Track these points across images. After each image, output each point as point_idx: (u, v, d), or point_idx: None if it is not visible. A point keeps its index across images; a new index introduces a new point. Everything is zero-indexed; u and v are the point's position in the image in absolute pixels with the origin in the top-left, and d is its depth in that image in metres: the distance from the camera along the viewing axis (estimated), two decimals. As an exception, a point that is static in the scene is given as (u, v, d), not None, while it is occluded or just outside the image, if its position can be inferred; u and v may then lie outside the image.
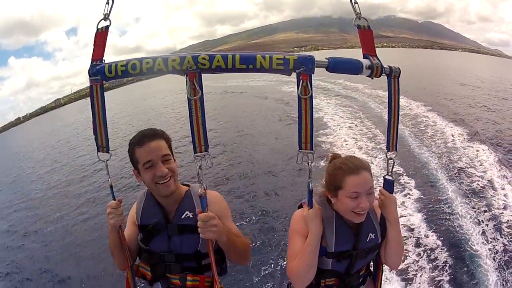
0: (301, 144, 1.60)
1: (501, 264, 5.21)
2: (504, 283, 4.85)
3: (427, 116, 14.54)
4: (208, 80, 1.48)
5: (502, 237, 5.84)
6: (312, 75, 1.54)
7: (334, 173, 1.78)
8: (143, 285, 2.15)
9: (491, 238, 5.83)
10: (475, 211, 6.70)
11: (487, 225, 6.21)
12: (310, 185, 1.70)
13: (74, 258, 7.47)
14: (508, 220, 6.32)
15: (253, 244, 6.28)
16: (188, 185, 2.00)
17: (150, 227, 1.89)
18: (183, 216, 1.88)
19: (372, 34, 1.72)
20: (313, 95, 1.53)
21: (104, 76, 1.65)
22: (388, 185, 1.85)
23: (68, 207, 11.00)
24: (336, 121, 14.59)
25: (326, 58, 1.60)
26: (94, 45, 1.72)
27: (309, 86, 1.53)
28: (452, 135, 11.64)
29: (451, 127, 12.69)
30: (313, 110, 1.58)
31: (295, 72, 1.53)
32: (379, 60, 1.67)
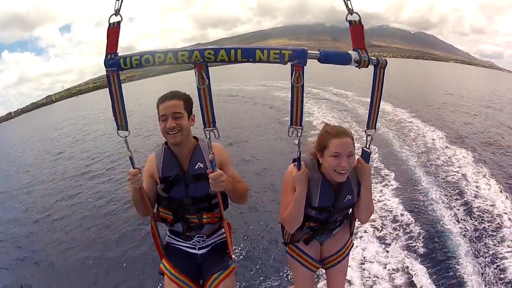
0: (292, 121, 1.88)
1: (472, 239, 5.88)
2: (476, 252, 5.54)
3: (411, 121, 15.41)
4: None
5: (472, 219, 6.55)
6: (305, 66, 1.76)
7: (323, 136, 2.19)
8: (162, 231, 2.56)
9: (461, 219, 6.56)
10: (447, 198, 7.50)
11: (458, 209, 6.96)
12: (299, 153, 2.05)
13: (92, 230, 8.07)
14: (479, 206, 7.03)
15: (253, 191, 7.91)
16: (196, 138, 2.40)
17: (171, 179, 2.28)
18: (196, 167, 2.29)
19: (363, 29, 1.86)
20: (304, 100, 1.85)
21: (119, 67, 1.84)
22: (365, 156, 2.23)
23: (78, 188, 11.64)
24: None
25: (318, 50, 1.78)
26: (107, 39, 1.86)
27: (301, 76, 1.75)
28: (433, 139, 12.44)
29: (433, 131, 13.51)
30: (304, 97, 1.85)
31: (290, 63, 1.75)
32: (367, 54, 1.84)
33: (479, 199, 7.43)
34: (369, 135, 2.17)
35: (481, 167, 9.31)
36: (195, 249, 2.50)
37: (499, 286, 4.88)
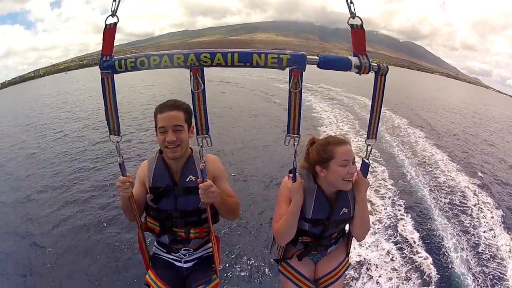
0: (290, 129, 1.80)
1: (431, 189, 8.76)
2: (438, 206, 7.51)
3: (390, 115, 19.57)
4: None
5: (416, 157, 11.17)
6: (303, 71, 1.69)
7: (325, 148, 2.05)
8: (150, 239, 2.50)
9: (422, 174, 9.93)
10: (408, 155, 11.68)
11: (419, 165, 10.64)
12: (295, 163, 1.95)
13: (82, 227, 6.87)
14: (430, 162, 11.03)
15: (246, 205, 7.20)
16: (191, 148, 2.24)
17: (161, 190, 2.18)
18: (187, 180, 2.16)
19: (364, 34, 1.78)
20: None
21: (114, 70, 1.79)
22: (365, 168, 2.07)
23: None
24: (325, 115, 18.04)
25: (317, 56, 1.72)
26: (103, 40, 1.80)
27: (300, 82, 1.68)
28: (399, 122, 17.33)
29: (400, 118, 18.21)
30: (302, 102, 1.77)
31: (288, 68, 1.68)
32: (368, 59, 1.76)
33: (431, 160, 11.45)
34: (369, 145, 2.02)
35: (430, 142, 13.80)
36: (180, 262, 2.40)
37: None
